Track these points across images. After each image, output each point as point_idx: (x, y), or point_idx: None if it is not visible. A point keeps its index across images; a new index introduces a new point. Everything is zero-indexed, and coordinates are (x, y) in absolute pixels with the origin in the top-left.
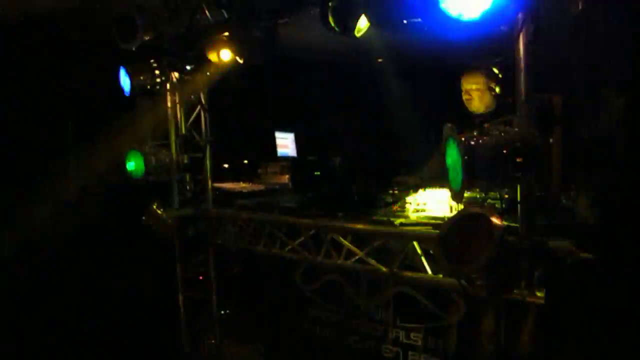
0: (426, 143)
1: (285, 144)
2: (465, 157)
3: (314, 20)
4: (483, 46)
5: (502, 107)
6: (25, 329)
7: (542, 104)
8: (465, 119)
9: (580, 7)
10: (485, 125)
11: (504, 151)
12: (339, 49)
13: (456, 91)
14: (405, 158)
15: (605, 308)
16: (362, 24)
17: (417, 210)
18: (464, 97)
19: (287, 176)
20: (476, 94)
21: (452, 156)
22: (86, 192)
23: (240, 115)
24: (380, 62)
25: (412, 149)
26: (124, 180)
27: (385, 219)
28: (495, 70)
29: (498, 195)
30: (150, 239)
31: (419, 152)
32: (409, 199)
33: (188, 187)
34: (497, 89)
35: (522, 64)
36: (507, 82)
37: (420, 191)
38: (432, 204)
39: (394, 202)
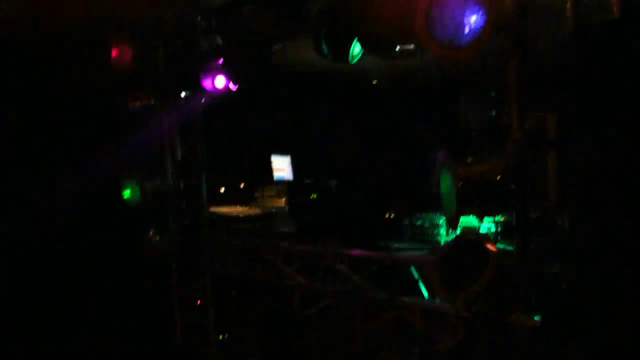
0: (424, 165)
1: (282, 167)
2: (460, 185)
3: (309, 44)
4: (477, 68)
5: (499, 128)
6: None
7: (536, 124)
8: (462, 140)
9: (571, 31)
10: (479, 151)
11: (497, 178)
12: (334, 71)
13: (454, 111)
14: (402, 180)
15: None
16: (356, 51)
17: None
18: (461, 117)
19: (283, 199)
20: (473, 116)
21: (447, 183)
22: (81, 216)
23: (236, 138)
24: (376, 84)
25: (410, 170)
26: (119, 206)
27: (381, 243)
28: (493, 93)
29: (494, 219)
30: (148, 265)
31: (416, 175)
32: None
33: (184, 213)
34: (494, 111)
35: (514, 88)
36: (504, 104)
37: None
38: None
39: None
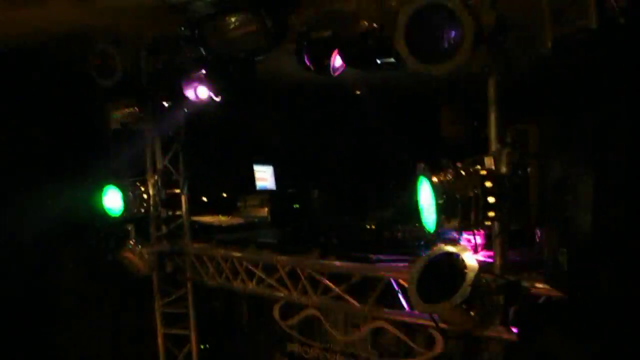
0: (404, 175)
1: (264, 177)
2: (439, 201)
3: (291, 56)
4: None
5: (479, 141)
6: None
7: (517, 137)
8: (442, 151)
9: (549, 46)
10: (458, 164)
11: (476, 192)
12: (317, 81)
13: (435, 122)
14: (383, 190)
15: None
16: (337, 64)
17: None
18: (442, 130)
19: (266, 209)
20: (454, 128)
21: (425, 197)
22: (61, 227)
23: (218, 148)
24: (359, 94)
25: (391, 180)
26: (99, 216)
27: (362, 255)
28: (475, 104)
29: (474, 231)
30: (129, 274)
31: (397, 184)
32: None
33: (166, 223)
34: (475, 122)
35: (493, 104)
36: (485, 116)
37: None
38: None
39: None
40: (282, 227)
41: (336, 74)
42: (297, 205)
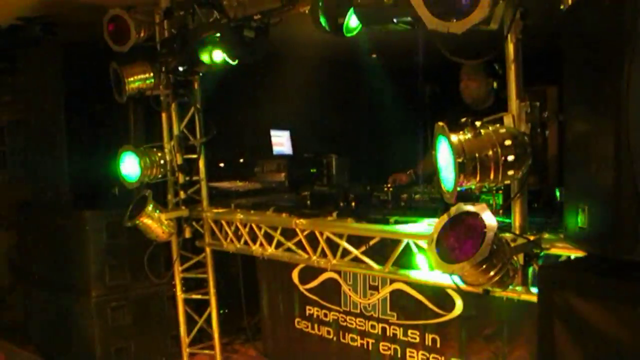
0: (422, 139)
1: (281, 142)
2: (458, 160)
3: (306, 18)
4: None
5: (499, 102)
6: None
7: (536, 96)
8: (462, 115)
9: (570, 2)
10: (477, 122)
11: (495, 150)
12: (333, 45)
13: (454, 86)
14: (401, 154)
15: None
16: (353, 24)
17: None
18: (461, 86)
19: (283, 174)
20: (473, 85)
21: (444, 156)
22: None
23: (235, 113)
24: (375, 58)
25: (409, 144)
26: (117, 182)
27: (379, 217)
28: (496, 66)
29: (494, 191)
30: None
31: (415, 148)
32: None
33: (183, 188)
34: (495, 84)
35: (512, 61)
36: (504, 77)
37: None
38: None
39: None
40: (299, 191)
41: (350, 34)
42: (314, 170)
